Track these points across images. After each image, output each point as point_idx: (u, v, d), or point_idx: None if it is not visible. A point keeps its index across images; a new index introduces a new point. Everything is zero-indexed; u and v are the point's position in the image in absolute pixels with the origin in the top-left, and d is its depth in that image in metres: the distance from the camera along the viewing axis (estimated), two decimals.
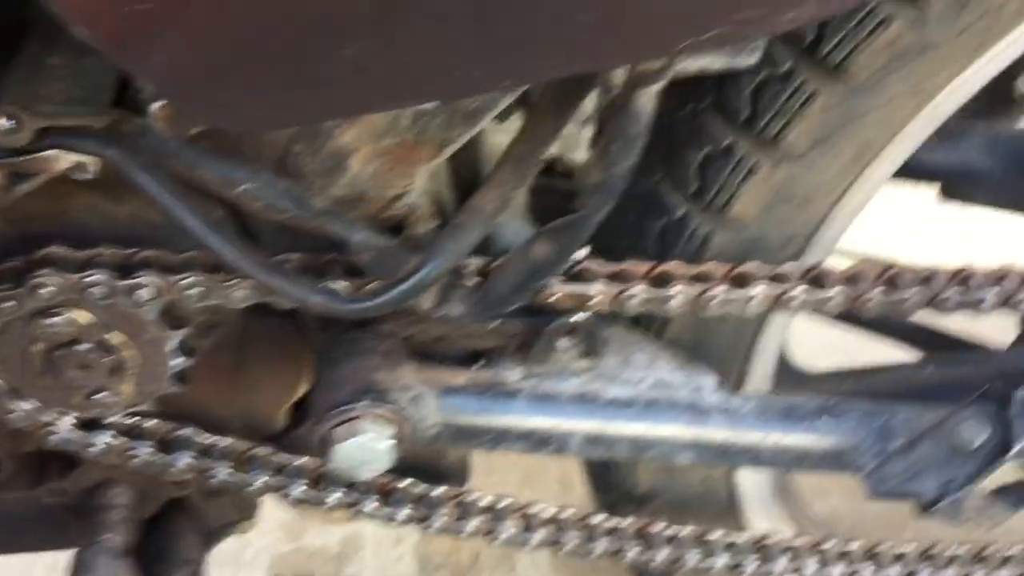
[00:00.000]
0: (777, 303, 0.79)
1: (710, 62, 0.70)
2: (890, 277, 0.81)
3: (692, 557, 0.87)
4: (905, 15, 0.77)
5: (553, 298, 0.74)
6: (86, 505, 0.87)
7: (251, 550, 1.43)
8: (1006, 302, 0.81)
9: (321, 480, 0.84)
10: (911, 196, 1.29)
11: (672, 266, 0.79)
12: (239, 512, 0.94)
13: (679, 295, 0.77)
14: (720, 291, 0.77)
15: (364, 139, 0.71)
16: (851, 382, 1.21)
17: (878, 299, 0.80)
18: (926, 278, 0.82)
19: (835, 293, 0.79)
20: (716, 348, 0.98)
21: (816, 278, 0.80)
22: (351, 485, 0.83)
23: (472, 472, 0.97)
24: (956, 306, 0.81)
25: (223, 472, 0.82)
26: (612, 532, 0.85)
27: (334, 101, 0.49)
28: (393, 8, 0.43)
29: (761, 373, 1.02)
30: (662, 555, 0.86)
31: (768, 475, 1.09)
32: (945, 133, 1.29)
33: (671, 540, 0.87)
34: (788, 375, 1.15)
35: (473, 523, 0.82)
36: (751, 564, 0.88)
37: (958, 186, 1.30)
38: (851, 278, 0.81)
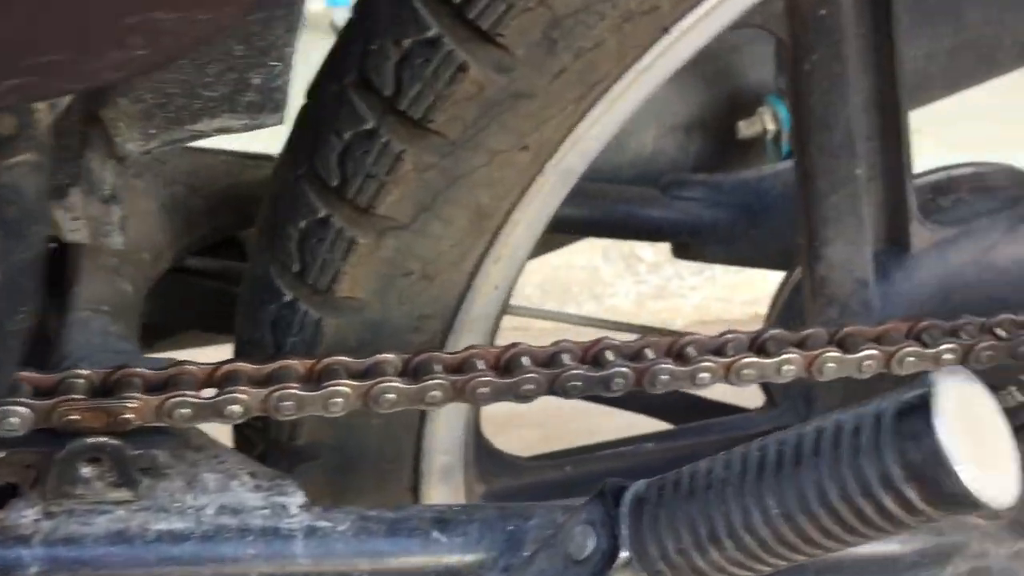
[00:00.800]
0: (367, 400, 0.67)
1: (227, 121, 0.59)
2: (507, 360, 0.71)
3: None
4: (484, 60, 0.67)
5: (74, 416, 0.61)
6: None
7: None
8: (640, 380, 0.71)
9: None
10: None
11: (240, 367, 0.66)
12: None
13: (241, 402, 0.64)
14: (293, 392, 0.65)
15: None
16: (570, 465, 1.11)
17: (492, 386, 0.69)
18: (549, 358, 0.71)
19: (438, 384, 0.68)
20: (372, 446, 0.86)
21: (416, 369, 0.69)
22: None
23: None
24: (584, 389, 0.71)
25: None
26: None
27: None
28: None
29: (441, 466, 0.91)
30: None
31: None
32: (665, 186, 1.24)
33: None
34: (494, 464, 1.03)
35: None
36: None
37: (686, 243, 1.23)
38: (460, 366, 0.70)
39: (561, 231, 1.23)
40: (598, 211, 1.18)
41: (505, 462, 1.05)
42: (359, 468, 0.86)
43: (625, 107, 0.75)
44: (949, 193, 1.04)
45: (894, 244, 0.95)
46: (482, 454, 1.00)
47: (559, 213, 1.17)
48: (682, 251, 1.24)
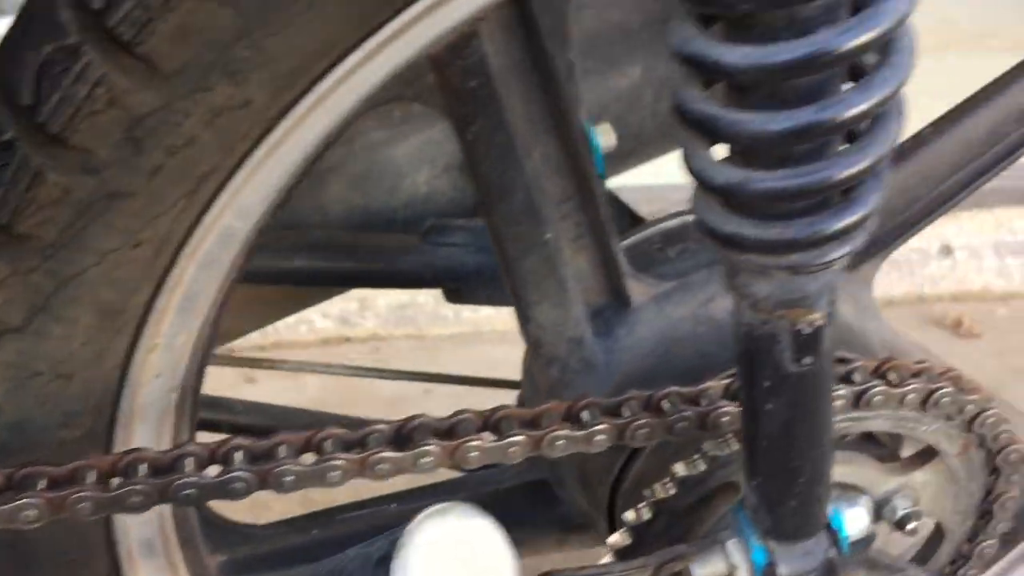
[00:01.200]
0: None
1: None
2: (123, 468, 0.68)
3: None
4: (64, 163, 0.64)
5: None
6: None
7: None
8: (264, 482, 0.69)
9: None
10: None
11: None
12: None
13: None
14: None
15: None
16: (319, 528, 1.08)
17: (95, 501, 0.67)
18: (171, 463, 0.69)
19: (29, 503, 0.65)
20: (49, 537, 0.82)
21: (19, 484, 0.66)
22: None
23: None
24: (199, 496, 0.68)
25: None
26: None
27: None
28: None
29: (141, 543, 0.87)
30: None
31: None
32: (426, 233, 1.21)
33: None
34: (226, 535, 1.00)
35: None
36: None
37: (455, 288, 1.20)
38: (68, 478, 0.67)
39: (319, 284, 1.20)
40: (354, 263, 1.15)
41: (239, 531, 1.02)
42: (41, 563, 0.83)
43: (259, 194, 0.72)
44: (678, 242, 1.02)
45: (615, 299, 0.93)
46: (210, 524, 0.97)
47: (312, 267, 1.14)
48: (454, 296, 1.22)
